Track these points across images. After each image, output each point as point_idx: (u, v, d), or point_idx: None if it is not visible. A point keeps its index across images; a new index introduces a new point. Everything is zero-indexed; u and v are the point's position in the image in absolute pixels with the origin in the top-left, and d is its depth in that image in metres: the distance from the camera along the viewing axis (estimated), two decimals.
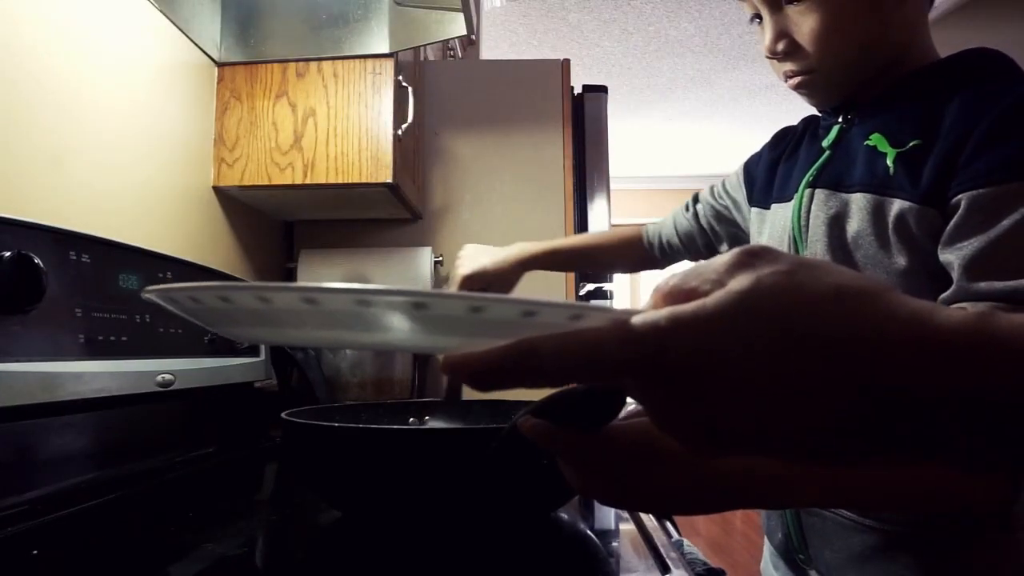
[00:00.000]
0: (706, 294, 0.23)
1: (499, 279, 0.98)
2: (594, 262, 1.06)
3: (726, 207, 0.94)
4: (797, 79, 0.69)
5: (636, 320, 0.23)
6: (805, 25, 0.65)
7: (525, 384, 0.25)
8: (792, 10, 0.66)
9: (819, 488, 0.42)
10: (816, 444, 0.23)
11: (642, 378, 0.24)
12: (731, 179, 0.95)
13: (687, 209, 1.00)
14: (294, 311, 0.25)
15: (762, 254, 0.23)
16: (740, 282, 0.23)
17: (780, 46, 0.68)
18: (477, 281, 0.97)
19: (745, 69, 3.88)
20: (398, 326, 0.25)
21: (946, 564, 0.61)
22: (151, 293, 0.28)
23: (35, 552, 0.55)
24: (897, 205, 0.61)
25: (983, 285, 0.54)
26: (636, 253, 1.06)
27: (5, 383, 0.61)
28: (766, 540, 0.82)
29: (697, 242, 0.99)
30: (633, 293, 5.72)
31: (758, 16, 0.70)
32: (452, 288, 0.96)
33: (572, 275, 1.67)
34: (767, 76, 3.92)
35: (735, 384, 0.22)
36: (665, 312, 0.23)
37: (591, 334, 0.23)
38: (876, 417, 0.22)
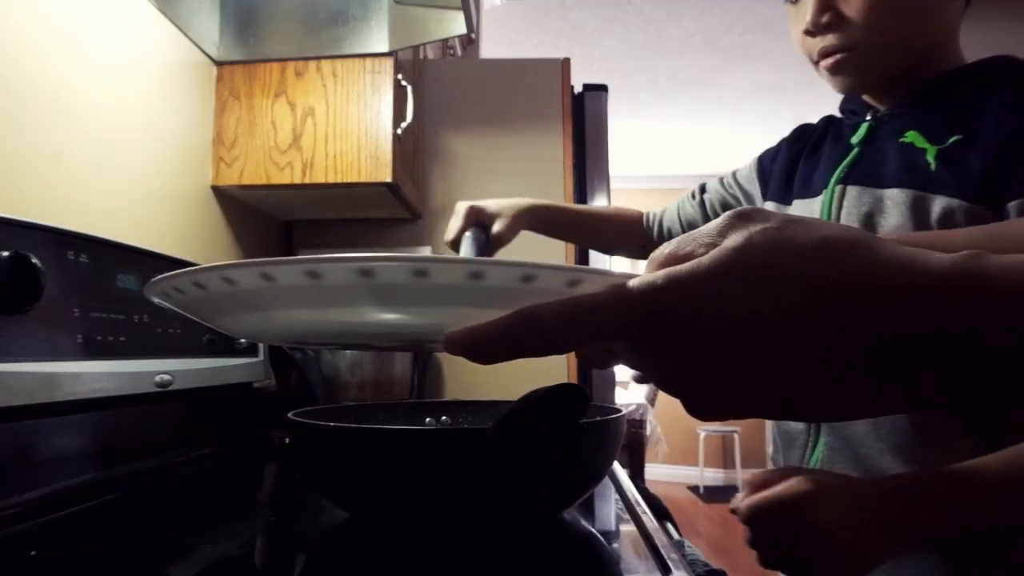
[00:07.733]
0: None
1: (500, 215, 0.93)
2: (593, 232, 1.06)
3: (735, 197, 0.94)
4: (834, 58, 0.68)
5: (633, 282, 0.24)
6: None
7: (528, 352, 0.26)
8: None
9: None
10: (811, 398, 0.23)
11: (642, 338, 0.24)
12: (743, 171, 0.95)
13: (693, 197, 1.01)
14: (296, 289, 0.25)
15: (752, 215, 0.24)
16: (733, 240, 0.23)
17: (825, 18, 0.67)
18: (477, 212, 0.92)
19: (746, 68, 3.87)
20: (399, 300, 0.26)
21: (978, 559, 0.59)
22: (152, 291, 0.28)
23: (34, 553, 0.55)
24: (942, 201, 0.61)
25: None
26: (634, 233, 1.06)
27: (3, 383, 0.61)
28: None
29: None
30: None
31: None
32: (456, 219, 0.92)
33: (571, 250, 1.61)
34: (768, 75, 3.92)
35: (732, 338, 0.23)
36: (661, 272, 0.24)
37: (590, 299, 0.24)
38: (868, 365, 0.22)
